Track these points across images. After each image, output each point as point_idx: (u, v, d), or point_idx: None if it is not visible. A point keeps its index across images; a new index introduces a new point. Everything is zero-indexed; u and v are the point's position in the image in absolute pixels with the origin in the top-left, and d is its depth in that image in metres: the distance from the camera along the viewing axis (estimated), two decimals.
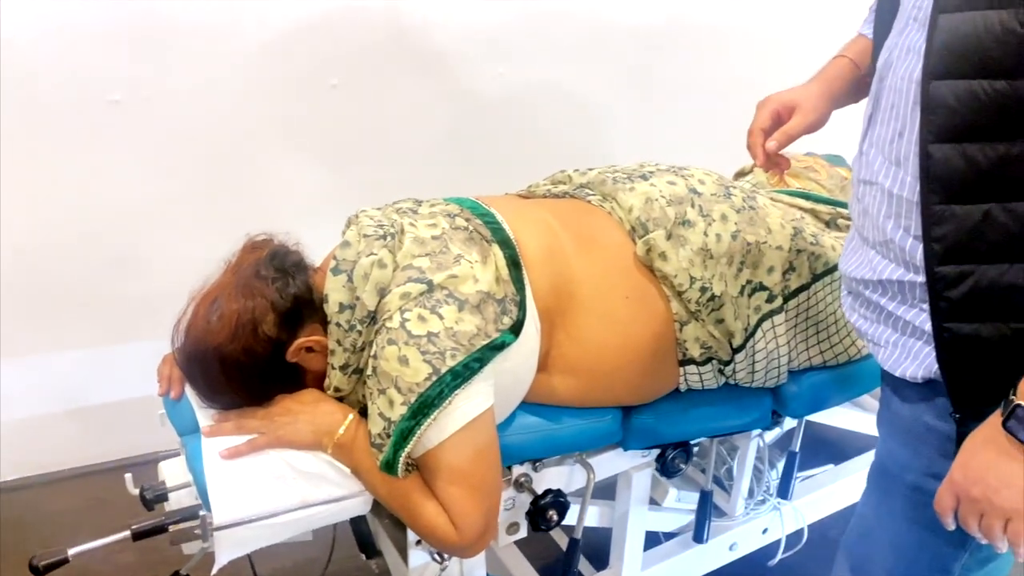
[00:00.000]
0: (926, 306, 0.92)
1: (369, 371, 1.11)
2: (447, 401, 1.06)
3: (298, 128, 2.05)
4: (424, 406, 1.05)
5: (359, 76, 2.07)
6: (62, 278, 1.96)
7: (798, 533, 1.77)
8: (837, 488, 1.82)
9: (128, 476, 1.24)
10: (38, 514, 2.02)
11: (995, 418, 0.84)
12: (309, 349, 1.17)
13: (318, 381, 1.20)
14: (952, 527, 0.91)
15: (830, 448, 2.00)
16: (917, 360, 0.96)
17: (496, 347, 1.12)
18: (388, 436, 1.07)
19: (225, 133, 1.98)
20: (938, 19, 0.83)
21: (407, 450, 1.07)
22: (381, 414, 1.08)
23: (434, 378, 1.06)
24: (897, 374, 0.99)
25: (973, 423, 0.88)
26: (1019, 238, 0.84)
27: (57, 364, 2.05)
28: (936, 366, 0.93)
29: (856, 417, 1.85)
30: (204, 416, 1.19)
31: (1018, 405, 0.81)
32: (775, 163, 1.22)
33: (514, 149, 2.28)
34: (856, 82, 1.21)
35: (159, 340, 1.25)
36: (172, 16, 1.84)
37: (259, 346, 1.13)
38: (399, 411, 1.06)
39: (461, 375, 1.07)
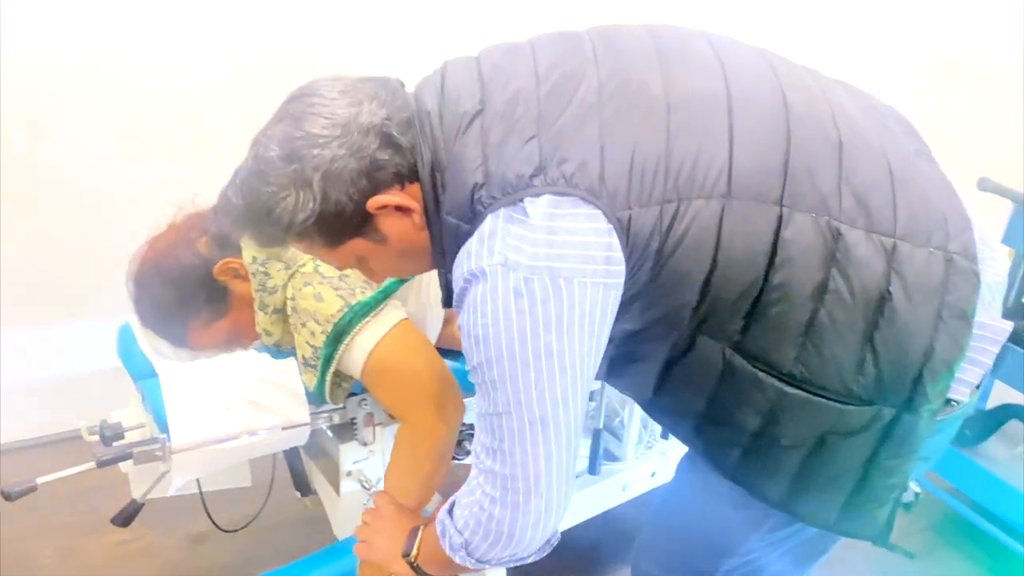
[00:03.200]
0: None
1: (290, 311, 1.26)
2: (358, 327, 1.23)
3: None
4: (339, 333, 1.23)
5: None
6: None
7: None
8: None
9: (83, 423, 1.36)
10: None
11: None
12: (236, 274, 1.29)
13: (243, 305, 1.31)
14: None
15: None
16: None
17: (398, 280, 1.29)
18: (317, 359, 1.25)
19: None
20: None
21: (332, 370, 1.24)
22: (307, 342, 1.25)
23: (345, 309, 1.23)
24: None
25: None
26: None
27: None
28: None
29: None
30: (159, 362, 1.33)
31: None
32: None
33: None
34: None
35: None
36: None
37: (190, 259, 1.26)
38: (320, 339, 1.23)
39: (369, 304, 1.25)
